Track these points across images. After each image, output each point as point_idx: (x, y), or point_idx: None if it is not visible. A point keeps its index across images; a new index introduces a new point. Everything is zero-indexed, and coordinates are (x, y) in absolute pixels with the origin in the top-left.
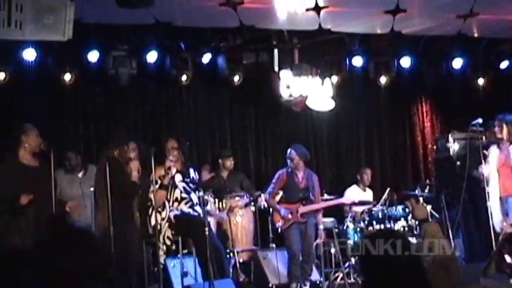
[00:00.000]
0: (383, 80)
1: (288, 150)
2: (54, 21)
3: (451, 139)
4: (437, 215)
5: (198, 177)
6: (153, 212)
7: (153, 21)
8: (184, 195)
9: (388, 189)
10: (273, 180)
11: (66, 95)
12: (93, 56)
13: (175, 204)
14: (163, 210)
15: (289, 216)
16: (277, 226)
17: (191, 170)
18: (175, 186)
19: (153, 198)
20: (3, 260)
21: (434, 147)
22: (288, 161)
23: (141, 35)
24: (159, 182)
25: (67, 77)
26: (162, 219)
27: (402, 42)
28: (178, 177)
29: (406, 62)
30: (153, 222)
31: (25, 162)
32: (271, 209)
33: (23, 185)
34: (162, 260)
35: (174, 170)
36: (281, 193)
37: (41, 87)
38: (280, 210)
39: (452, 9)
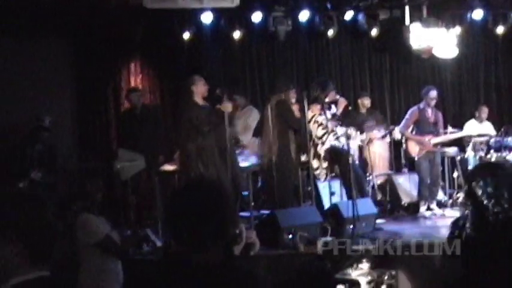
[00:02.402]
0: (500, 29)
1: (432, 91)
2: None
3: None
4: None
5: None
6: (327, 140)
7: None
8: (332, 127)
9: None
10: (407, 116)
11: (235, 49)
12: (257, 16)
13: (326, 135)
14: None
15: (425, 143)
16: (413, 155)
17: (333, 106)
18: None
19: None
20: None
21: None
22: (430, 100)
23: None
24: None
25: (236, 34)
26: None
27: None
28: (328, 114)
29: None
30: (326, 146)
31: (200, 104)
32: (403, 141)
33: (202, 121)
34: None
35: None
36: (411, 127)
37: (216, 43)
38: (418, 138)
39: None
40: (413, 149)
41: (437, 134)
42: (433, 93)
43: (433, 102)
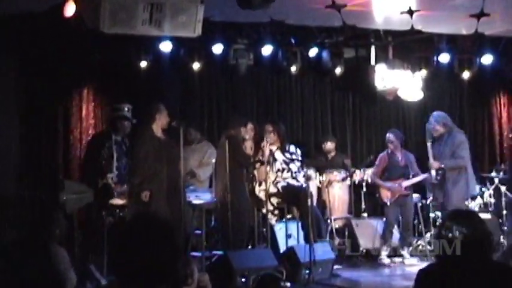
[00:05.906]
0: (466, 74)
1: (387, 135)
2: (186, 20)
3: None
4: (510, 195)
5: (300, 152)
6: (256, 184)
7: (269, 20)
8: (284, 166)
9: None
10: (376, 163)
11: (194, 81)
12: (218, 48)
13: (279, 173)
14: (265, 182)
15: (396, 188)
16: (385, 201)
17: (292, 146)
18: (275, 160)
19: (256, 173)
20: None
21: (510, 135)
22: (388, 143)
23: (258, 31)
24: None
25: (196, 65)
26: (263, 190)
27: (484, 42)
28: (277, 153)
29: (487, 59)
30: (256, 192)
31: (158, 136)
32: (377, 187)
33: (157, 154)
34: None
35: (268, 149)
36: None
37: (174, 74)
38: (388, 185)
39: None
40: (386, 194)
41: (408, 177)
42: (389, 137)
43: (391, 146)
